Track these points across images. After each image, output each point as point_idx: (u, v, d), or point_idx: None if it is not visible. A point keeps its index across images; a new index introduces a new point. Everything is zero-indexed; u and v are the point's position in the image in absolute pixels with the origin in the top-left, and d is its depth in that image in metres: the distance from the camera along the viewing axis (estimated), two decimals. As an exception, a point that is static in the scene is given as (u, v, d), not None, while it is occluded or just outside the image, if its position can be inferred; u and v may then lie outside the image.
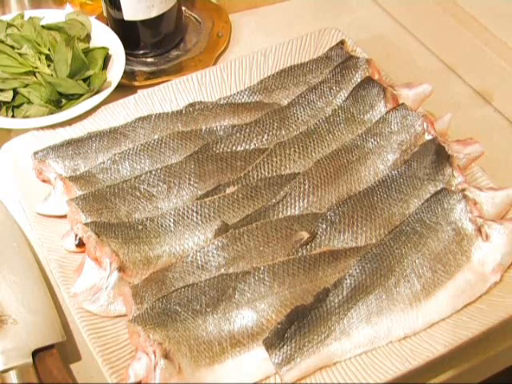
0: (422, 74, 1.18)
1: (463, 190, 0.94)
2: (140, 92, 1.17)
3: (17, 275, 0.96)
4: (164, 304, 0.85)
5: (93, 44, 1.23)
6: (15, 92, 1.14)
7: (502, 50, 1.13)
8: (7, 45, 1.17)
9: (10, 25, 1.20)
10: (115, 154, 1.04)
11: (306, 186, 0.97)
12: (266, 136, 1.05)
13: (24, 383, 0.85)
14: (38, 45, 1.17)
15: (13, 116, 1.13)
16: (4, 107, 1.13)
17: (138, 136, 1.07)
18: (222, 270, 0.90)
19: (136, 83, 1.23)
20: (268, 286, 0.86)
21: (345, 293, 0.86)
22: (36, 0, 1.34)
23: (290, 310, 0.85)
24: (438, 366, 0.87)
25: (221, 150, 1.03)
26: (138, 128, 1.08)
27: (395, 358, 0.83)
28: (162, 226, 0.95)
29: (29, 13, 1.25)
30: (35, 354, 0.88)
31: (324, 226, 0.93)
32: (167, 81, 1.18)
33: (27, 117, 1.12)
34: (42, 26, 1.21)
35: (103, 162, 1.04)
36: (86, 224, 0.93)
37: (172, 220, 0.95)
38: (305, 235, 0.92)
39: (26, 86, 1.14)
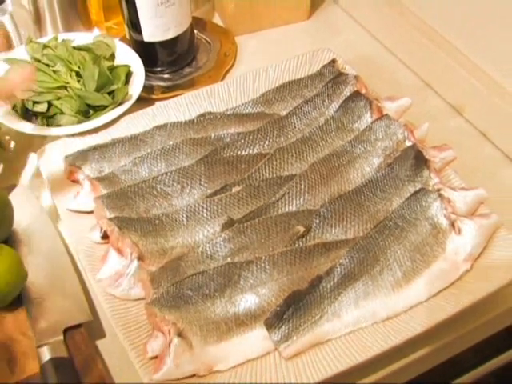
0: (402, 89, 1.18)
1: (439, 189, 0.94)
2: (157, 104, 1.16)
3: (50, 263, 0.96)
4: (177, 289, 0.85)
5: (117, 62, 1.22)
6: (49, 104, 1.13)
7: (471, 68, 1.13)
8: (43, 63, 1.17)
9: (45, 46, 1.20)
10: (135, 158, 1.03)
11: (302, 186, 0.96)
12: (267, 142, 1.05)
13: (56, 357, 0.84)
14: (70, 63, 1.17)
15: (47, 125, 1.12)
16: (40, 117, 1.13)
17: (155, 142, 1.07)
18: (228, 260, 0.89)
19: (154, 96, 1.22)
20: (268, 274, 0.86)
21: (336, 279, 0.85)
22: (68, 24, 1.33)
23: (287, 294, 0.84)
24: (417, 343, 0.86)
25: (227, 154, 1.03)
26: (156, 135, 1.07)
27: (379, 336, 0.83)
28: (175, 220, 0.94)
29: (62, 35, 1.25)
30: (66, 331, 0.87)
31: (318, 221, 0.92)
32: (181, 94, 1.17)
33: (59, 125, 1.12)
34: (73, 47, 1.20)
35: (125, 165, 1.03)
36: (110, 219, 0.93)
37: (184, 215, 0.94)
38: (301, 229, 0.91)
39: (59, 98, 1.13)
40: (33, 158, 1.10)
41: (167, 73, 1.27)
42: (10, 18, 1.17)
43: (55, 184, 1.02)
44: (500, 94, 1.09)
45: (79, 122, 1.11)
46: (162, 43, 1.22)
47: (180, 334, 0.81)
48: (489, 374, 1.19)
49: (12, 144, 1.08)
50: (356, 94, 1.07)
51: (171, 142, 1.05)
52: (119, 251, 0.91)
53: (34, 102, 1.12)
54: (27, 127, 1.10)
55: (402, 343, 0.82)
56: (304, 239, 0.91)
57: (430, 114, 1.13)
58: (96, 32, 1.29)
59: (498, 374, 1.23)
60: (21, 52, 1.20)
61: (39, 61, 1.18)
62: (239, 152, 1.03)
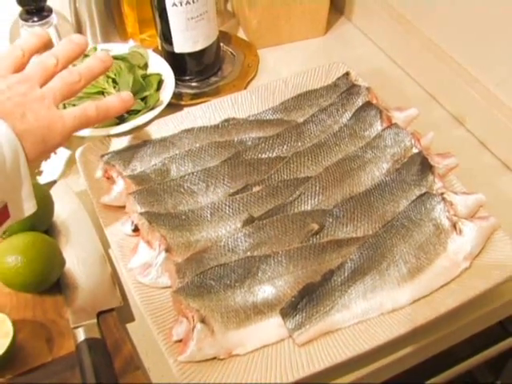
0: (409, 100, 1.17)
1: (442, 193, 0.93)
2: (185, 109, 1.16)
3: (86, 253, 0.97)
4: (201, 279, 0.84)
5: (149, 71, 1.22)
6: (88, 107, 1.12)
7: (472, 82, 1.12)
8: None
9: (86, 55, 1.19)
10: (165, 158, 1.03)
11: (317, 188, 0.96)
12: (285, 146, 1.04)
13: (90, 338, 0.84)
14: (107, 71, 1.15)
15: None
16: (79, 119, 1.12)
17: (183, 144, 1.06)
18: (248, 253, 0.89)
19: (182, 102, 1.22)
20: (285, 267, 0.86)
21: (346, 274, 0.85)
22: (106, 36, 1.34)
23: (302, 286, 0.84)
24: (419, 333, 0.86)
25: (249, 156, 1.02)
26: (183, 138, 1.07)
27: (385, 327, 0.83)
28: (200, 216, 0.94)
29: (101, 46, 1.26)
30: (99, 315, 0.88)
31: (331, 220, 0.92)
32: (207, 101, 1.17)
33: (96, 127, 1.11)
34: (111, 56, 1.19)
35: (155, 164, 1.03)
36: (141, 213, 0.93)
37: (209, 212, 0.94)
38: (315, 227, 0.91)
39: (96, 102, 1.12)
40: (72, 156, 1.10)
41: (195, 81, 1.27)
42: (55, 30, 1.18)
43: (92, 180, 1.02)
44: (498, 106, 1.08)
45: (115, 124, 1.12)
46: (191, 54, 1.22)
47: (203, 321, 0.81)
48: (483, 363, 1.19)
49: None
50: (368, 104, 1.06)
51: (197, 145, 1.05)
52: (148, 243, 0.92)
53: (73, 105, 1.12)
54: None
55: (406, 333, 0.81)
56: (318, 236, 0.90)
57: (435, 124, 1.12)
58: (131, 43, 1.29)
59: (491, 363, 1.23)
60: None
61: (79, 68, 1.18)
62: (260, 155, 1.03)
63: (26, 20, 1.16)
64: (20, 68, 0.80)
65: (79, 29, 1.32)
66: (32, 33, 0.84)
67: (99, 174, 1.04)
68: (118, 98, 0.88)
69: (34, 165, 0.76)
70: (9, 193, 0.70)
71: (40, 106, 0.76)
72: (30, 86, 0.77)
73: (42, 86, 0.79)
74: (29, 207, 0.74)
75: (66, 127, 0.79)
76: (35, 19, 1.16)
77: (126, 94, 0.89)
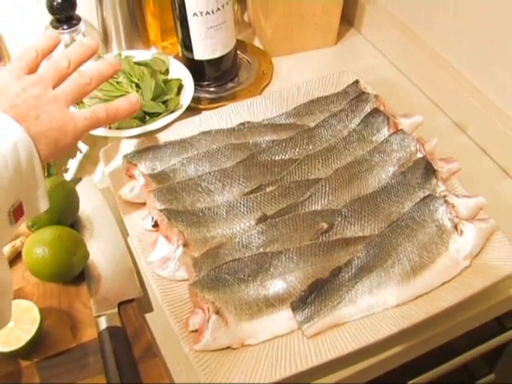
0: (415, 107, 1.16)
1: (444, 196, 0.92)
2: (204, 113, 1.15)
3: (108, 246, 0.96)
4: (216, 273, 0.84)
5: (170, 76, 1.22)
6: (112, 110, 1.12)
7: (474, 92, 1.11)
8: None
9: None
10: (183, 159, 1.02)
11: (327, 189, 0.95)
12: (297, 149, 1.03)
13: (111, 326, 0.85)
14: (131, 76, 1.17)
15: (109, 127, 1.12)
16: (103, 121, 1.12)
17: (201, 146, 1.05)
18: (261, 249, 0.88)
19: (201, 106, 1.22)
20: (295, 263, 0.85)
21: (353, 270, 0.85)
22: (130, 43, 1.34)
23: (311, 281, 0.84)
24: (420, 328, 0.85)
25: (263, 158, 1.02)
26: (201, 140, 1.06)
27: (389, 321, 0.82)
28: (216, 214, 0.93)
29: (125, 53, 1.25)
30: (120, 305, 0.88)
31: (339, 219, 0.91)
32: (224, 105, 1.16)
33: (120, 128, 1.11)
34: (134, 62, 1.20)
35: (174, 164, 1.02)
36: (161, 210, 0.93)
37: (224, 210, 0.93)
38: (324, 226, 0.90)
39: (120, 105, 1.12)
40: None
41: (213, 86, 1.26)
42: (82, 38, 1.18)
43: (115, 178, 1.02)
44: (498, 115, 1.08)
45: (137, 126, 1.11)
46: (210, 61, 1.21)
47: (217, 312, 0.81)
48: (479, 357, 1.18)
49: (81, 144, 1.08)
50: (375, 111, 1.05)
51: (215, 146, 1.04)
52: (167, 238, 0.91)
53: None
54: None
55: (409, 327, 0.81)
56: (327, 234, 0.90)
57: (438, 131, 1.11)
58: (153, 50, 1.29)
59: (488, 357, 1.22)
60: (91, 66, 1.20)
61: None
62: (273, 157, 1.02)
63: (56, 28, 1.16)
64: (34, 69, 0.79)
65: (105, 36, 1.31)
66: (45, 35, 0.83)
67: (122, 172, 1.03)
68: (126, 101, 0.87)
69: (58, 162, 0.75)
70: (24, 193, 0.69)
71: (53, 107, 0.75)
72: (44, 88, 0.76)
73: (54, 87, 0.78)
74: (42, 205, 0.73)
75: (78, 128, 0.78)
76: (65, 27, 1.17)
77: (134, 98, 0.88)
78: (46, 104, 0.74)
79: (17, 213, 0.69)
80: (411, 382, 1.12)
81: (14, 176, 0.66)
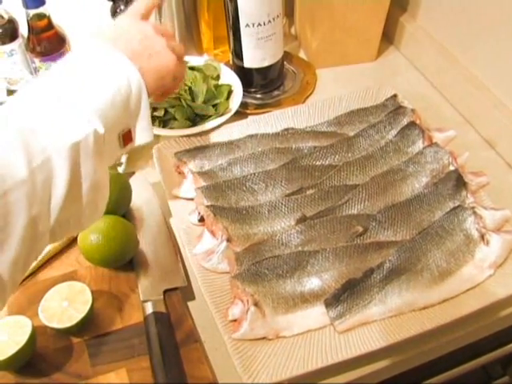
0: (448, 122, 1.14)
1: (473, 207, 0.91)
2: (250, 117, 1.15)
3: (156, 237, 0.97)
4: (257, 267, 0.84)
5: (221, 82, 1.22)
6: (165, 110, 1.13)
7: (504, 110, 1.09)
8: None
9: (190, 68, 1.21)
10: (230, 159, 1.03)
11: (363, 195, 0.94)
12: (337, 156, 1.03)
13: (156, 311, 0.85)
14: (184, 80, 1.15)
15: (163, 127, 1.12)
16: (157, 120, 1.12)
17: (247, 148, 1.06)
18: (299, 248, 0.88)
19: (248, 111, 1.21)
20: (331, 263, 0.85)
21: (384, 272, 0.84)
22: (185, 50, 1.32)
23: (345, 280, 0.84)
24: (445, 330, 0.84)
25: (304, 163, 1.01)
26: (248, 142, 1.06)
27: (416, 322, 0.82)
28: (259, 212, 0.93)
29: (180, 58, 1.25)
30: (165, 292, 0.88)
31: (374, 224, 0.90)
32: (270, 111, 1.16)
33: (172, 128, 1.11)
34: (188, 67, 1.20)
35: (221, 164, 1.02)
36: (207, 206, 0.93)
37: (267, 209, 0.93)
38: (360, 229, 0.89)
39: (173, 107, 1.13)
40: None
41: (260, 93, 1.25)
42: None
43: (165, 174, 1.02)
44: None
45: (188, 126, 1.11)
46: (258, 70, 1.21)
47: (256, 304, 0.81)
48: (497, 359, 1.17)
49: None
50: (412, 124, 1.05)
51: (260, 149, 1.05)
52: (212, 233, 0.92)
53: (154, 108, 1.12)
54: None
55: (434, 328, 0.80)
56: (361, 237, 0.89)
57: (469, 145, 1.09)
58: (206, 57, 1.29)
59: (504, 359, 1.21)
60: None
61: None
62: (314, 162, 1.02)
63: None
64: (147, 17, 0.85)
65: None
66: None
67: (172, 169, 1.04)
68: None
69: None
70: (133, 120, 0.76)
71: (161, 48, 0.80)
72: (155, 31, 0.81)
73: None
74: (147, 136, 0.79)
75: (177, 67, 0.83)
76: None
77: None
78: (156, 44, 0.80)
79: (126, 138, 0.75)
80: (426, 382, 1.12)
81: (125, 104, 0.72)
